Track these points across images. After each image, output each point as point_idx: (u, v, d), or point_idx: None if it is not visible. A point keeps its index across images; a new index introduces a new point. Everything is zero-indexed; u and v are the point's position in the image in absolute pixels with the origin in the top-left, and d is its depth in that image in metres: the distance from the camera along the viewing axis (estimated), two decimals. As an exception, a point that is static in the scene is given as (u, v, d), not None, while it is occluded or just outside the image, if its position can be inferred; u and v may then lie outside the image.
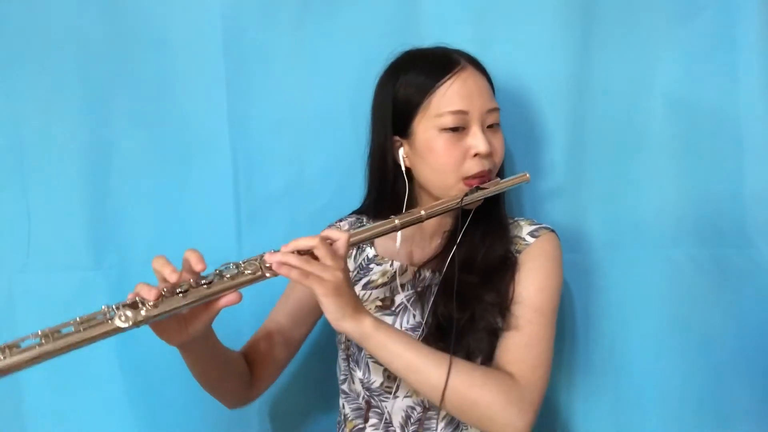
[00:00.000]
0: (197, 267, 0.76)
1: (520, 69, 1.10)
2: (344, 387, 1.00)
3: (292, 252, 0.78)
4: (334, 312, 0.79)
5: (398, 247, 0.93)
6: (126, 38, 1.13)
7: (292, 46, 1.14)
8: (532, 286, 0.91)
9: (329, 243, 0.80)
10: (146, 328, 0.76)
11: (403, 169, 0.94)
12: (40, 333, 0.68)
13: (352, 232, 0.82)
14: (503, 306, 0.90)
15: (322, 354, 1.16)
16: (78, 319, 0.71)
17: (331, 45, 1.14)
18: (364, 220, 1.04)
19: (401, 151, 0.94)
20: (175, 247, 1.13)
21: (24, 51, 1.12)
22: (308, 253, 0.79)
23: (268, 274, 0.78)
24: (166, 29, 1.13)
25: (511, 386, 0.83)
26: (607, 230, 1.13)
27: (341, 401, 1.01)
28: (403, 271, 0.97)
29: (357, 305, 0.81)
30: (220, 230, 1.15)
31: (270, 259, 0.77)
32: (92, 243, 1.14)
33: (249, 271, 0.78)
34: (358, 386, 0.96)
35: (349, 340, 0.96)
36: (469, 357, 0.87)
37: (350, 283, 0.81)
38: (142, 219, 1.15)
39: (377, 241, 1.02)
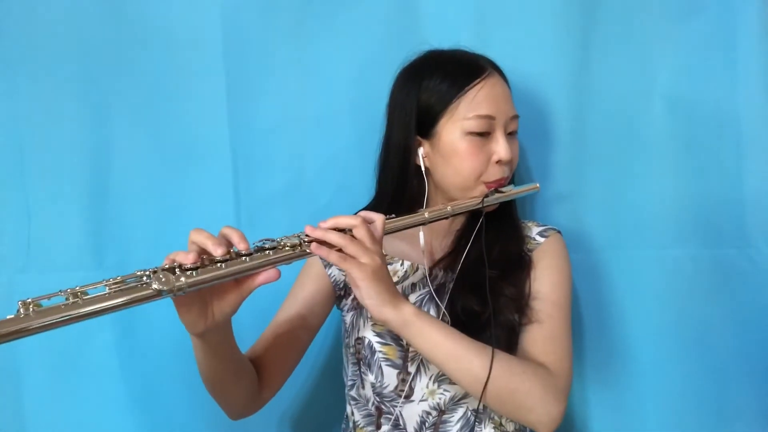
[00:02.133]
0: (240, 246, 0.71)
1: (520, 70, 1.09)
2: (353, 393, 0.98)
3: (332, 229, 0.76)
4: (373, 297, 0.77)
5: (422, 245, 0.93)
6: (126, 38, 1.13)
7: (292, 46, 1.14)
8: (549, 282, 0.93)
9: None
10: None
11: (423, 169, 0.94)
12: (68, 291, 0.62)
13: (393, 219, 0.81)
14: (520, 301, 0.91)
15: (329, 359, 1.17)
16: (110, 280, 0.65)
17: (331, 45, 1.14)
18: None
19: (420, 151, 0.94)
20: (175, 247, 1.14)
21: (24, 51, 1.12)
22: (345, 233, 0.77)
23: (308, 250, 0.74)
24: (166, 29, 1.13)
25: (546, 375, 0.84)
26: (608, 230, 1.13)
27: (349, 408, 0.99)
28: (414, 270, 0.97)
29: (395, 292, 0.80)
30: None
31: (311, 233, 0.75)
32: (92, 243, 1.14)
33: (288, 247, 0.74)
34: (368, 391, 0.95)
35: (360, 343, 0.95)
36: None
37: (387, 269, 0.80)
38: (142, 219, 1.15)
39: (386, 241, 1.02)
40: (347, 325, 0.99)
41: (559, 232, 0.99)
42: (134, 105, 1.14)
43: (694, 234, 1.10)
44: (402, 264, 0.98)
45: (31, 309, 0.60)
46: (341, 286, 1.00)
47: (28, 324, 0.59)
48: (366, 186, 1.05)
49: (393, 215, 0.85)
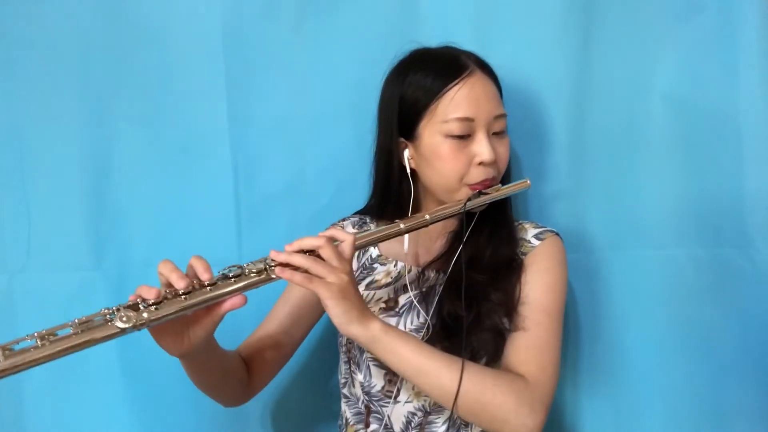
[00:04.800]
0: (203, 276, 0.74)
1: (520, 69, 1.10)
2: (345, 391, 0.99)
3: (297, 252, 0.77)
4: (340, 316, 0.77)
5: (406, 249, 0.92)
6: (126, 38, 1.13)
7: (292, 46, 1.14)
8: (539, 287, 0.91)
9: (335, 244, 0.78)
10: (148, 334, 0.75)
11: (408, 171, 0.94)
12: (36, 334, 0.66)
13: (357, 234, 0.81)
14: (509, 306, 0.90)
15: (325, 357, 1.16)
16: (76, 321, 0.68)
17: (331, 45, 1.14)
18: (368, 220, 1.04)
19: (406, 153, 0.94)
20: (175, 247, 1.15)
21: (24, 51, 1.12)
22: (313, 253, 0.77)
23: (273, 276, 0.76)
24: (166, 29, 1.13)
25: (522, 387, 0.83)
26: (608, 230, 1.13)
27: (343, 405, 1.00)
28: (408, 271, 0.97)
29: (363, 308, 0.80)
30: (220, 230, 1.15)
31: (275, 257, 0.76)
32: (92, 243, 1.14)
33: (254, 273, 0.75)
34: (358, 390, 0.96)
35: (350, 343, 0.96)
36: (473, 357, 0.87)
37: (356, 286, 0.80)
38: (142, 219, 1.15)
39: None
40: None
41: (557, 234, 0.97)
42: (134, 104, 1.14)
43: (694, 234, 1.10)
44: (395, 265, 0.98)
45: (1, 353, 0.64)
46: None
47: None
48: (366, 186, 1.05)
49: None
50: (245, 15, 1.13)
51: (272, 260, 0.77)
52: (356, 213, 1.06)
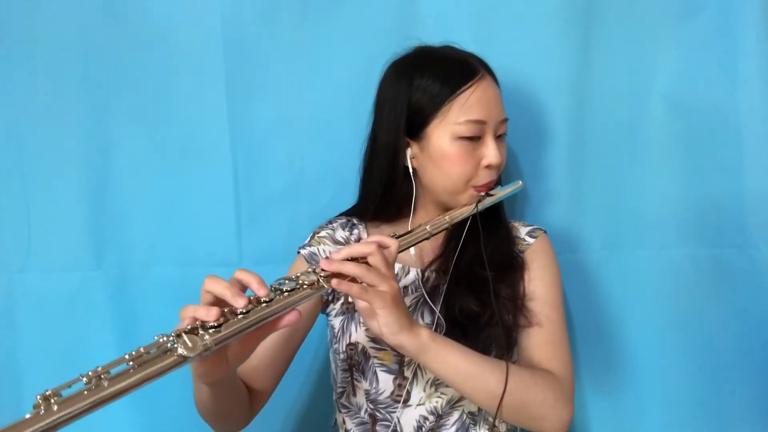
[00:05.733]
0: (260, 292, 0.67)
1: (520, 69, 1.10)
2: (343, 401, 0.95)
3: (347, 259, 0.74)
4: (392, 325, 0.74)
5: (413, 253, 0.93)
6: (126, 38, 1.13)
7: (292, 46, 1.14)
8: (544, 283, 0.93)
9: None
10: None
11: (411, 171, 0.93)
12: (91, 374, 0.58)
13: (400, 240, 0.80)
14: (516, 302, 0.91)
15: (316, 364, 1.17)
16: (133, 353, 0.60)
17: (331, 45, 1.14)
18: (355, 221, 1.02)
19: (408, 152, 0.93)
20: (175, 247, 1.15)
21: (24, 51, 1.12)
22: (358, 261, 0.74)
23: (326, 285, 0.71)
24: (166, 29, 1.13)
25: (555, 382, 0.85)
26: (607, 230, 1.13)
27: (341, 416, 0.96)
28: (405, 272, 0.96)
29: (410, 316, 0.78)
30: (220, 230, 1.15)
31: (327, 267, 0.73)
32: (92, 243, 1.14)
33: (307, 284, 0.70)
34: (360, 399, 0.93)
35: (352, 350, 0.93)
36: (485, 351, 0.86)
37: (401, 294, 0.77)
38: (142, 219, 1.15)
39: None
40: (336, 331, 0.96)
41: (545, 231, 0.99)
42: (134, 105, 1.14)
43: (694, 234, 1.10)
44: None
45: (52, 402, 0.56)
46: (329, 291, 0.96)
47: (51, 420, 0.55)
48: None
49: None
50: (245, 14, 1.13)
51: (323, 270, 0.73)
52: (342, 214, 1.04)
